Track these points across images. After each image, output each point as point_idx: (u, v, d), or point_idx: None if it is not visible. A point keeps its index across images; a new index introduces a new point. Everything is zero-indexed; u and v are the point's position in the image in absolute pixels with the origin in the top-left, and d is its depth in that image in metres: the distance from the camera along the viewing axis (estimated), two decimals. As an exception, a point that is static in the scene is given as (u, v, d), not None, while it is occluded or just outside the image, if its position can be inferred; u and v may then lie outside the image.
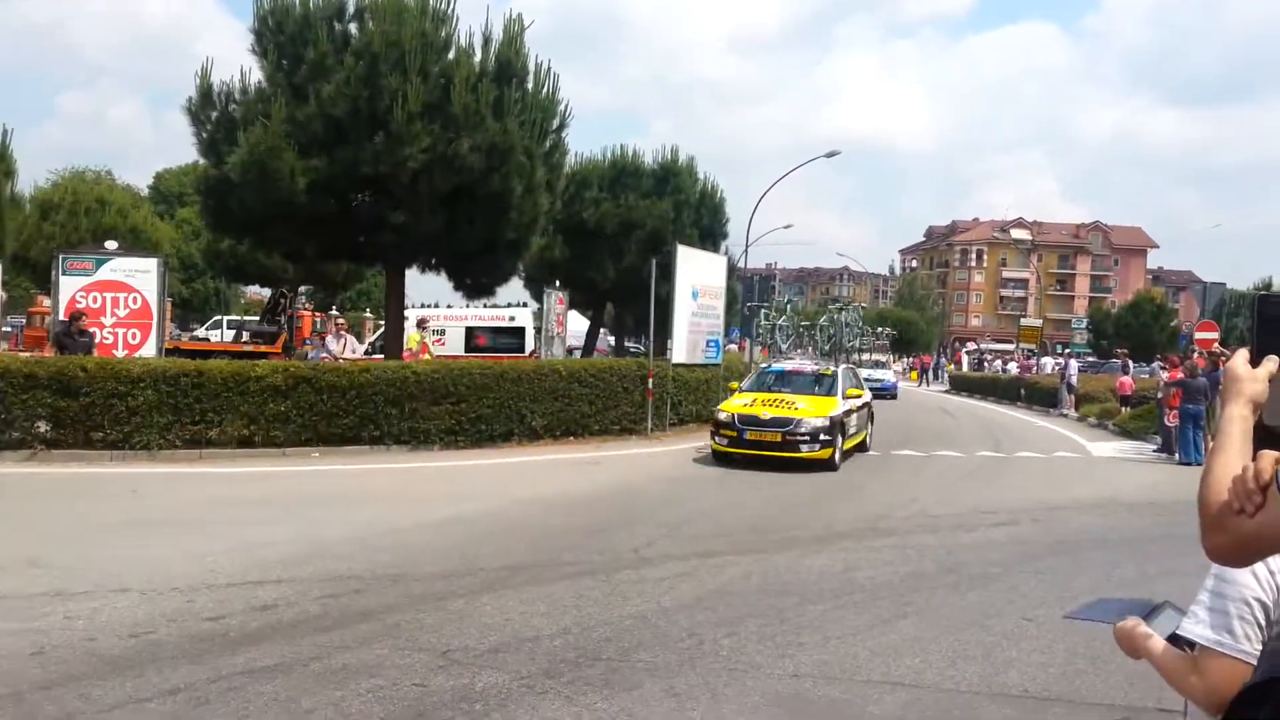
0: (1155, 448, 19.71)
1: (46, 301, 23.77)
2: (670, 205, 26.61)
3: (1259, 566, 1.88)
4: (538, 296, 27.21)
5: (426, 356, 18.54)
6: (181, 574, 7.41)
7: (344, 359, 18.04)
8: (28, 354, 18.35)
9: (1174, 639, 2.01)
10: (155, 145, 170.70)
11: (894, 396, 35.87)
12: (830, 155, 37.37)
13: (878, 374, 38.69)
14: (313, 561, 7.97)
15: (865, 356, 44.04)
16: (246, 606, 6.67)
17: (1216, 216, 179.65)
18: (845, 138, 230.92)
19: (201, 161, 17.91)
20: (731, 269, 26.93)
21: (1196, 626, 1.91)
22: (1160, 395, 19.94)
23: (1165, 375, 20.58)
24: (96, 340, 15.50)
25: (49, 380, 13.31)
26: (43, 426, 13.37)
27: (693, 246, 22.17)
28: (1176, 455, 17.98)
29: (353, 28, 16.37)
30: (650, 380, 18.47)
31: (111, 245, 19.05)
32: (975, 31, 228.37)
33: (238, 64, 17.03)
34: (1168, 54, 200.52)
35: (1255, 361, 1.75)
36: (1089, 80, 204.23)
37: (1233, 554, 1.66)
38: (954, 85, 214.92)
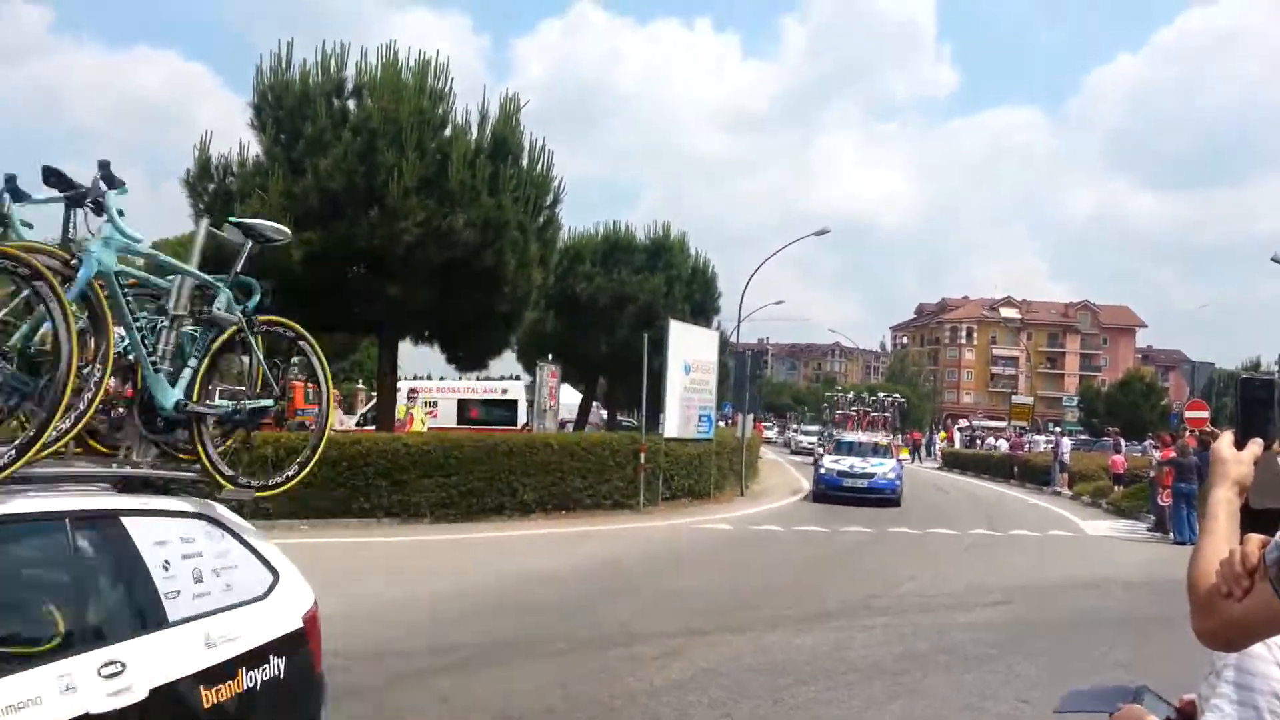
0: (1149, 526, 19.63)
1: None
2: (662, 280, 26.83)
3: None
4: (530, 369, 27.27)
5: (414, 428, 18.47)
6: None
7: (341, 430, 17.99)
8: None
9: None
10: (152, 215, 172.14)
11: (896, 503, 22.72)
12: (820, 233, 37.83)
13: (870, 464, 23.89)
14: (298, 637, 7.83)
15: (851, 437, 31.50)
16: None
17: (1202, 296, 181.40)
18: (832, 215, 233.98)
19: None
20: (724, 344, 27.05)
21: None
22: (1153, 474, 19.92)
23: (1158, 454, 20.60)
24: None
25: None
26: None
27: (685, 321, 22.31)
28: (1170, 534, 17.90)
29: (351, 104, 16.63)
30: (642, 454, 18.40)
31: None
32: (961, 115, 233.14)
33: (235, 136, 17.16)
34: (1147, 138, 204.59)
35: (1240, 444, 1.76)
36: (1070, 163, 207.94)
37: (1222, 638, 1.65)
38: (938, 165, 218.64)
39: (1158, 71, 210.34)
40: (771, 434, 69.39)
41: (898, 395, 55.10)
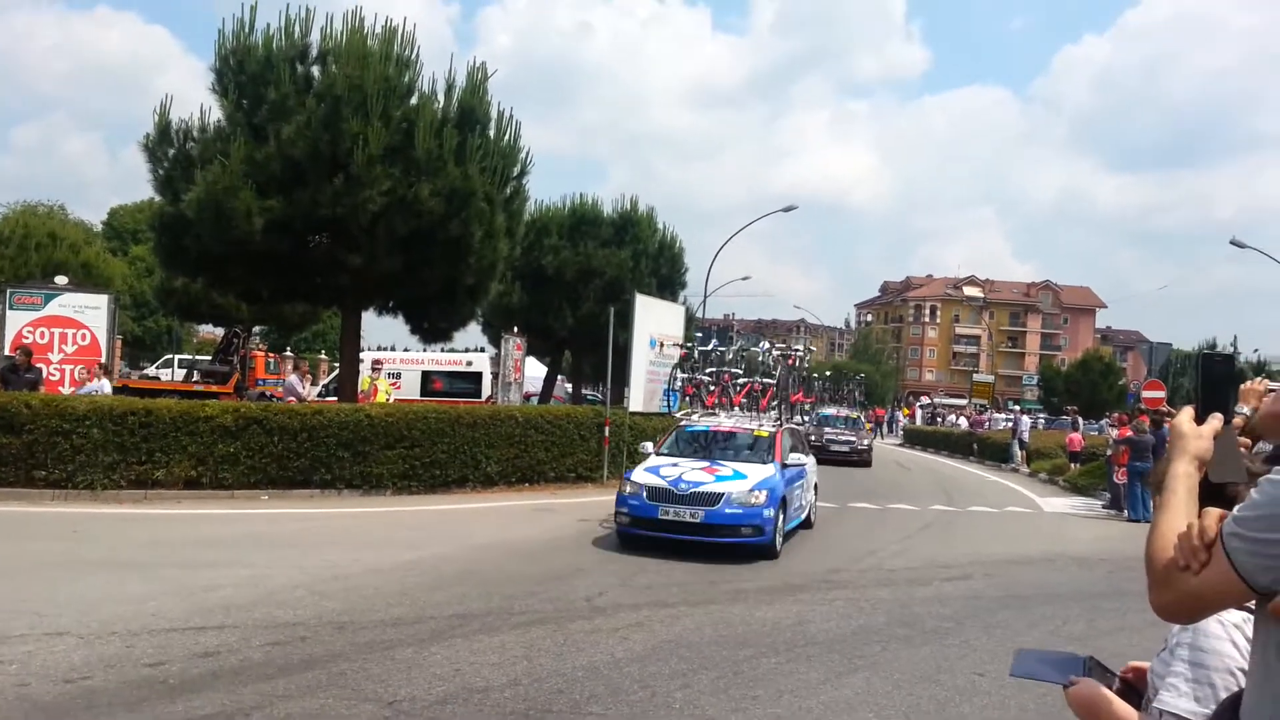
0: (1104, 504, 19.96)
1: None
2: (629, 254, 26.77)
3: (1236, 635, 1.88)
4: (495, 342, 27.15)
5: (379, 399, 18.35)
6: (121, 617, 7.21)
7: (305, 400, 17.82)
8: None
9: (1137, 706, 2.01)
10: (110, 181, 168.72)
11: (765, 552, 11.68)
12: (788, 210, 37.87)
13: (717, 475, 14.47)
14: (258, 607, 7.79)
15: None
16: (188, 653, 6.49)
17: (1163, 278, 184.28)
18: (801, 192, 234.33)
19: (157, 199, 17.72)
20: (690, 319, 27.05)
21: (1181, 701, 1.88)
22: (1110, 453, 20.23)
23: (1114, 433, 20.89)
24: (43, 376, 15.18)
25: (-10, 416, 12.99)
26: (-18, 464, 13.03)
27: (651, 296, 22.27)
28: (1125, 512, 18.21)
29: (315, 70, 16.36)
30: (607, 428, 18.41)
31: (61, 280, 18.75)
32: (931, 93, 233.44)
33: (197, 102, 16.86)
34: (1113, 120, 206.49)
35: (1200, 419, 1.78)
36: (1037, 143, 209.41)
37: (1179, 611, 1.67)
38: (907, 144, 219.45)
39: (1124, 54, 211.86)
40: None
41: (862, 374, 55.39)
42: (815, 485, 15.30)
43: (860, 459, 28.99)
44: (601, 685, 6.30)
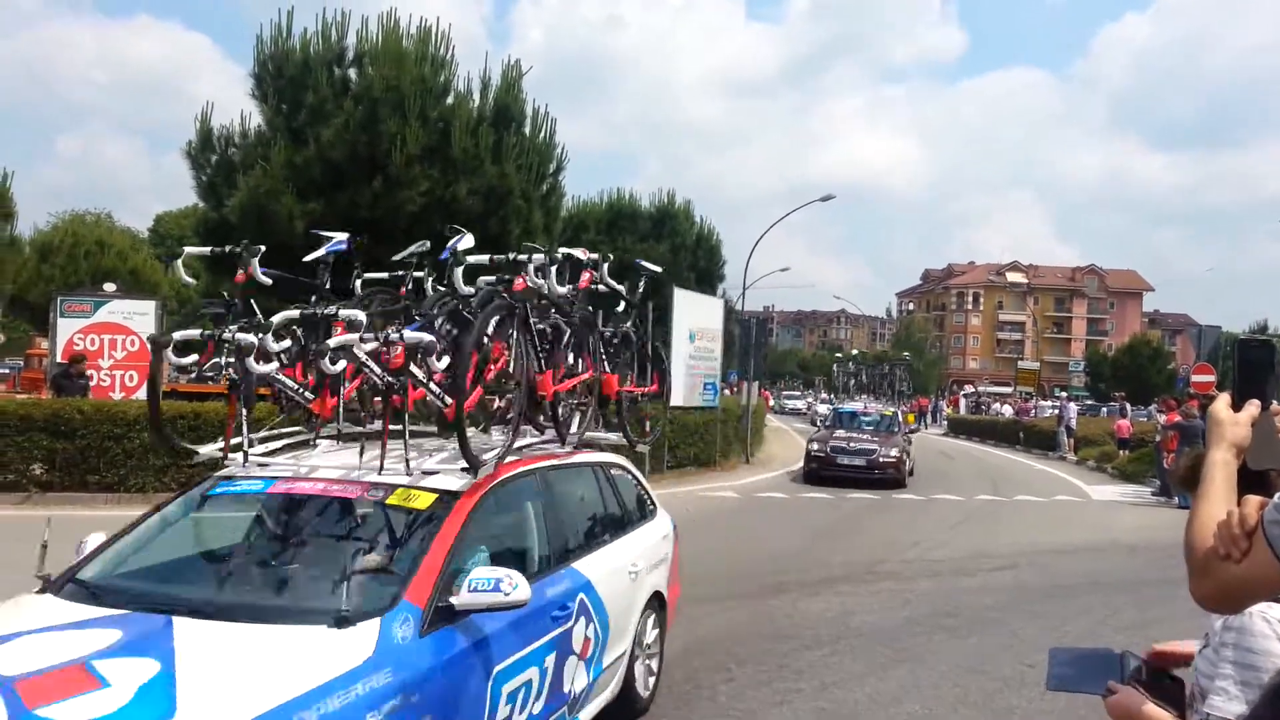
0: (1154, 490, 19.66)
1: (44, 344, 23.77)
2: (667, 248, 26.76)
3: None
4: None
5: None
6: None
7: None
8: (24, 396, 18.33)
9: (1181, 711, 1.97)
10: (156, 187, 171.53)
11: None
12: (825, 199, 37.61)
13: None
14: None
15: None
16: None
17: (1209, 258, 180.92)
18: (838, 181, 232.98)
19: (200, 204, 17.99)
20: (729, 312, 26.98)
21: (1233, 705, 1.84)
22: (1159, 438, 19.92)
23: (1163, 419, 20.56)
24: (93, 383, 15.48)
25: (45, 422, 13.27)
26: (38, 469, 13.31)
27: (689, 289, 22.24)
28: (1175, 499, 17.92)
29: (352, 73, 16.53)
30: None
31: (110, 288, 19.11)
32: (967, 77, 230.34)
33: (237, 107, 17.09)
34: (1151, 99, 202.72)
35: (1237, 406, 1.76)
36: (1076, 123, 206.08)
37: (1221, 600, 1.65)
38: (944, 129, 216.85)
39: (1165, 31, 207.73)
40: (799, 404, 65.34)
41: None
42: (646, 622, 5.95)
43: (884, 475, 19.52)
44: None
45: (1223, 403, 1.77)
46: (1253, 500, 1.58)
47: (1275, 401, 1.77)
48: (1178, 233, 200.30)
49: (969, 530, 14.20)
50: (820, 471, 19.90)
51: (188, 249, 5.35)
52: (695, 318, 20.09)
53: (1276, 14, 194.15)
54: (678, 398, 19.36)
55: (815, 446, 20.75)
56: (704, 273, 27.98)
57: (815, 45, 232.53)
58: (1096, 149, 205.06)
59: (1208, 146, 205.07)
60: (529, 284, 5.00)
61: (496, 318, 4.69)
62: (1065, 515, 16.66)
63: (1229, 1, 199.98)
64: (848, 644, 7.42)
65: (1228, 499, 1.65)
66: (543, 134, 17.81)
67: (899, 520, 14.97)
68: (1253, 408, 1.73)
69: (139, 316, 16.80)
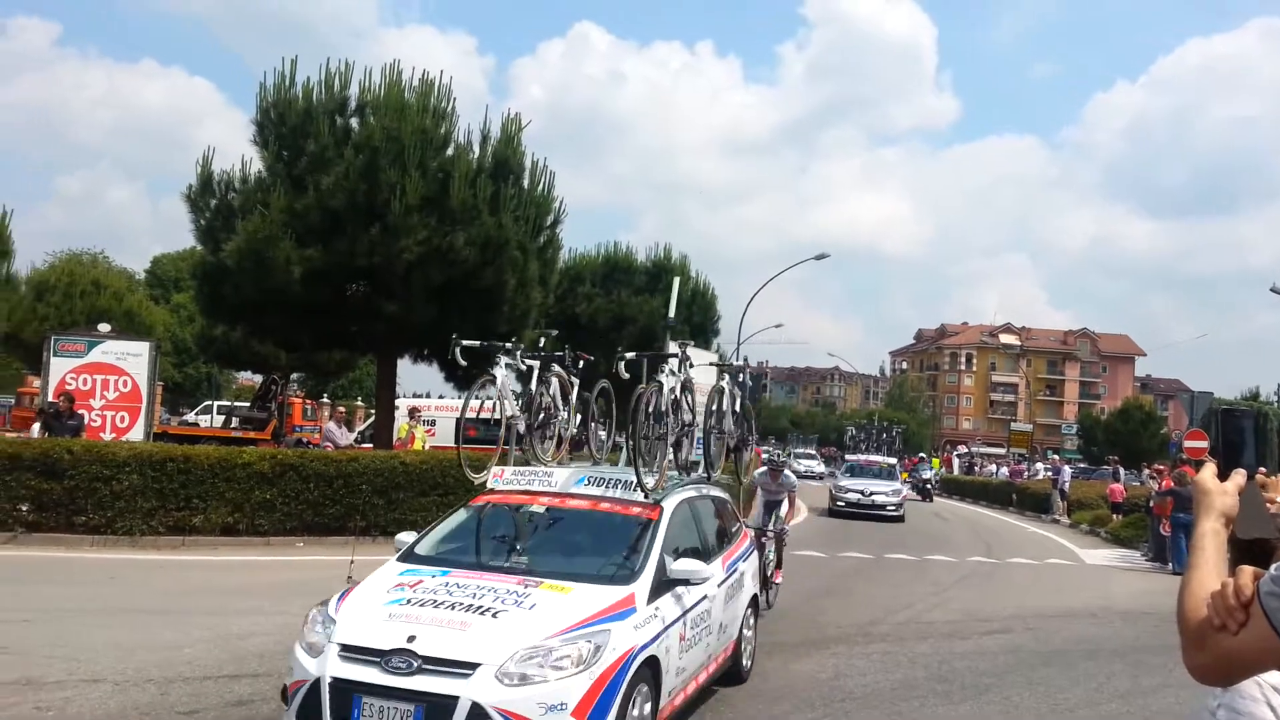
0: (1147, 555, 19.56)
1: (36, 382, 23.67)
2: (662, 301, 26.81)
3: (1274, 697, 1.83)
4: (529, 389, 27.15)
5: (416, 446, 18.42)
6: (156, 664, 7.23)
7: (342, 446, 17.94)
8: (13, 435, 18.20)
9: None
10: (153, 229, 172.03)
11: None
12: (820, 258, 37.91)
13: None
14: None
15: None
16: (222, 701, 6.49)
17: (1200, 325, 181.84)
18: (833, 240, 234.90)
19: (198, 248, 18.04)
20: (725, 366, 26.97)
21: None
22: (1152, 503, 19.87)
23: (1155, 485, 20.54)
24: (85, 422, 15.39)
25: (33, 462, 13.17)
26: (24, 509, 13.17)
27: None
28: (1170, 564, 17.83)
29: (354, 122, 16.67)
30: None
31: (104, 328, 19.07)
32: (961, 142, 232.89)
33: (238, 152, 17.25)
34: (1144, 167, 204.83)
35: (1223, 475, 1.75)
36: (1069, 189, 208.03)
37: (1216, 673, 1.63)
38: (939, 192, 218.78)
39: (1157, 101, 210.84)
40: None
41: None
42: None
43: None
44: (635, 739, 6.20)
45: (1209, 472, 1.76)
46: (1247, 571, 1.56)
47: (1262, 469, 1.76)
48: (1169, 299, 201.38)
49: (963, 592, 14.08)
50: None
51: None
52: (690, 371, 20.05)
53: (1264, 88, 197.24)
54: (671, 452, 19.28)
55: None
56: (698, 327, 28.06)
57: (812, 108, 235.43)
58: (1088, 214, 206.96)
59: (1198, 214, 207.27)
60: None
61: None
62: (1058, 579, 16.55)
63: (1218, 75, 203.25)
64: (841, 707, 7.31)
65: (1219, 569, 1.64)
66: (541, 186, 17.96)
67: (893, 581, 14.84)
68: (1239, 477, 1.73)
69: (132, 358, 16.75)
